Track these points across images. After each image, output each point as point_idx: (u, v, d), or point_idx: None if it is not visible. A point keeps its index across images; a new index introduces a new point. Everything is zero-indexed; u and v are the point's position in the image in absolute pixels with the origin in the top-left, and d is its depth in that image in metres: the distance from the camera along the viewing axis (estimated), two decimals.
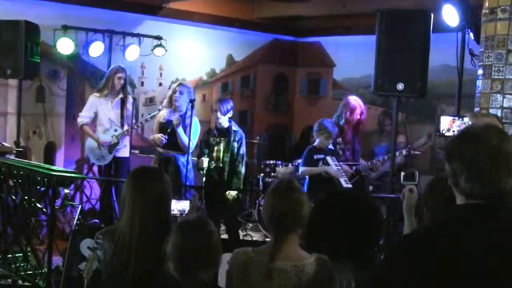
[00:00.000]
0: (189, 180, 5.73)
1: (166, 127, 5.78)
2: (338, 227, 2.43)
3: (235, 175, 5.71)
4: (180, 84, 5.92)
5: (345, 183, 5.51)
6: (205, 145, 5.80)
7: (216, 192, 5.64)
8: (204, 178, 5.72)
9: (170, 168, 5.73)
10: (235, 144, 5.68)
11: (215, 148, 5.74)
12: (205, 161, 5.67)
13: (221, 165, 5.69)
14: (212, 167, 5.71)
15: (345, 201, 2.54)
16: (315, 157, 5.60)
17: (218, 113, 5.64)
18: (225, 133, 5.72)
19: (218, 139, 5.73)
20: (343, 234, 2.42)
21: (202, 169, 5.69)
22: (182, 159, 5.75)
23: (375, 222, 2.54)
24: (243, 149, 5.76)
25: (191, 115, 5.71)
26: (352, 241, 2.42)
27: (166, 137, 5.73)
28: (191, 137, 5.71)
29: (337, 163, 5.60)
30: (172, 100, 5.79)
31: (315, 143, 5.69)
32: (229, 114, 5.71)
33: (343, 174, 5.57)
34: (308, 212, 2.41)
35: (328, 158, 5.56)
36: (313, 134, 5.73)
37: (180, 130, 5.70)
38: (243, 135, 5.82)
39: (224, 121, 5.69)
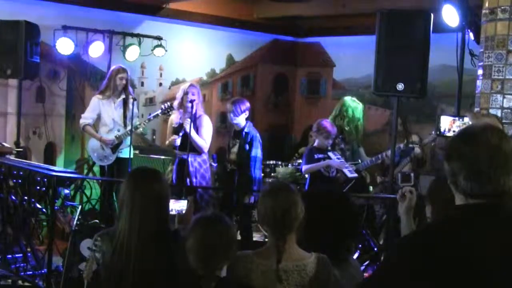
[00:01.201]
0: (206, 180, 5.73)
1: (179, 130, 5.73)
2: (314, 226, 2.48)
3: (249, 180, 5.60)
4: (191, 85, 5.87)
5: (350, 173, 5.51)
6: (226, 148, 5.79)
7: (228, 194, 5.61)
8: (215, 181, 5.71)
9: (187, 169, 5.68)
10: (246, 146, 5.62)
11: (231, 150, 5.72)
12: (213, 165, 5.66)
13: (234, 167, 5.66)
14: (228, 170, 5.68)
15: (320, 201, 2.60)
16: (315, 156, 5.60)
17: (231, 115, 5.60)
18: (239, 135, 5.69)
19: (233, 142, 5.71)
20: (319, 232, 2.48)
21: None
22: (199, 159, 5.72)
23: (349, 220, 2.60)
24: (255, 151, 5.62)
25: (194, 116, 5.66)
26: (328, 238, 2.48)
27: (178, 137, 5.67)
28: (204, 136, 5.68)
29: (339, 156, 5.59)
30: (184, 102, 5.73)
31: (315, 144, 5.69)
32: (245, 115, 5.63)
33: (347, 165, 5.56)
34: (303, 211, 2.45)
35: (330, 153, 5.56)
36: (313, 135, 5.72)
37: (192, 131, 5.64)
38: (256, 136, 5.67)
39: (239, 122, 5.64)
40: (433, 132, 5.74)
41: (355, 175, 5.56)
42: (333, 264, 2.48)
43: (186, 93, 5.69)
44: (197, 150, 5.68)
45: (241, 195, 5.53)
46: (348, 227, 2.63)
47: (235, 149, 5.68)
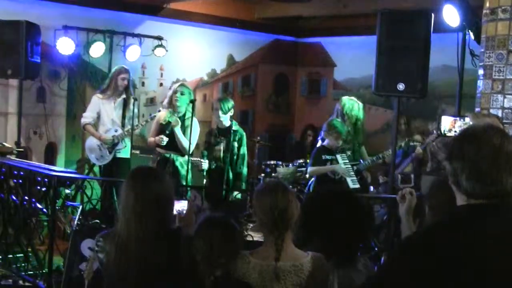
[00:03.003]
0: (188, 181, 5.73)
1: (166, 128, 5.76)
2: (322, 226, 2.46)
3: (237, 177, 5.72)
4: (182, 85, 5.91)
5: (352, 184, 5.48)
6: (207, 146, 5.81)
7: (217, 193, 5.62)
8: (205, 179, 5.71)
9: (168, 169, 5.71)
10: (235, 144, 5.70)
11: (215, 148, 5.74)
12: (205, 163, 5.67)
13: (222, 165, 5.69)
14: (213, 167, 5.70)
15: (330, 201, 2.57)
16: (323, 157, 5.57)
17: (219, 112, 5.66)
18: (226, 133, 5.72)
19: (218, 139, 5.74)
20: (326, 233, 2.46)
21: (202, 170, 5.68)
22: (181, 160, 5.74)
23: (360, 222, 2.56)
24: (243, 149, 5.76)
25: (192, 116, 5.68)
26: (335, 240, 2.46)
27: (166, 138, 5.69)
28: (191, 138, 5.70)
29: (347, 161, 5.57)
30: (173, 100, 5.77)
31: (324, 143, 5.65)
32: (230, 113, 5.71)
33: (352, 173, 5.54)
34: (298, 210, 2.45)
35: (338, 156, 5.54)
36: (322, 134, 5.69)
37: (178, 131, 5.67)
38: (244, 134, 5.83)
39: (225, 120, 5.70)
40: (434, 131, 5.74)
41: (357, 186, 5.52)
42: (347, 265, 2.46)
43: (175, 92, 5.73)
44: (180, 151, 5.70)
45: (231, 192, 5.61)
46: (362, 227, 2.59)
47: (220, 147, 5.72)
